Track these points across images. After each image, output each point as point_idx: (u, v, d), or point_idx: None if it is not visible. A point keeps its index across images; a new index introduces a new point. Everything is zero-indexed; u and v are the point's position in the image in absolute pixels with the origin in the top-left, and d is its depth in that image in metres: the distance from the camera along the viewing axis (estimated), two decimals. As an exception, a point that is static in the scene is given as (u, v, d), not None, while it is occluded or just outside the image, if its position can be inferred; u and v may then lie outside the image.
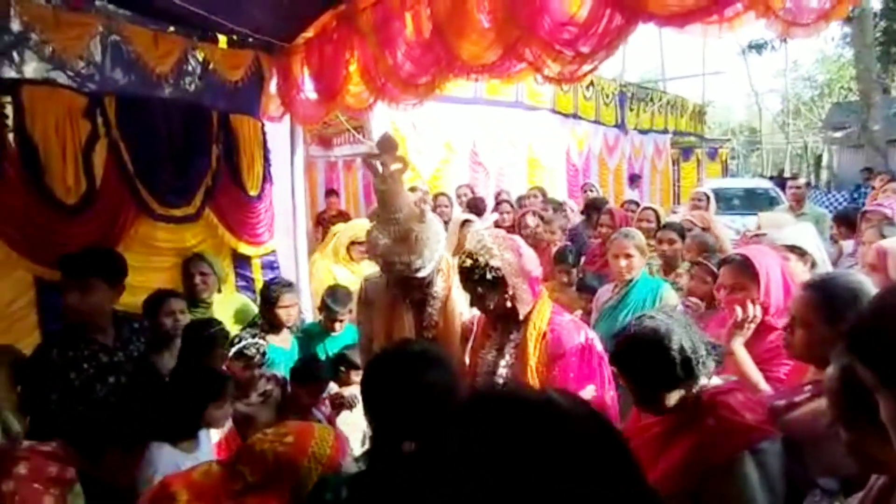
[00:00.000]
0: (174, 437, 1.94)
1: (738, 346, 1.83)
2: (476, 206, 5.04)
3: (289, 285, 3.01)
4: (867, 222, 3.65)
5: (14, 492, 1.43)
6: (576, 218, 5.08)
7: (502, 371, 1.87)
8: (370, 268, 3.73)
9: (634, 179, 9.99)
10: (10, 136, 2.49)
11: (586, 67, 2.04)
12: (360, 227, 3.62)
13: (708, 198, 4.81)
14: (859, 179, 11.38)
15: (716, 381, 1.53)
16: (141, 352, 2.23)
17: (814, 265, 2.49)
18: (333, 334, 3.11)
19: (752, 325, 1.81)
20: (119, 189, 2.82)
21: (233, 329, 2.97)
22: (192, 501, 1.27)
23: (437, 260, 1.99)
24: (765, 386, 1.73)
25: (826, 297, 1.43)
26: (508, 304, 1.84)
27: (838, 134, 17.01)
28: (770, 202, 8.44)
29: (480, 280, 1.80)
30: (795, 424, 1.43)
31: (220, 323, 2.62)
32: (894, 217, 3.74)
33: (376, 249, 1.95)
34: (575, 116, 8.79)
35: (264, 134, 3.52)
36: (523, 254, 1.87)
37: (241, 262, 3.44)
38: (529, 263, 1.87)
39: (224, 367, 2.54)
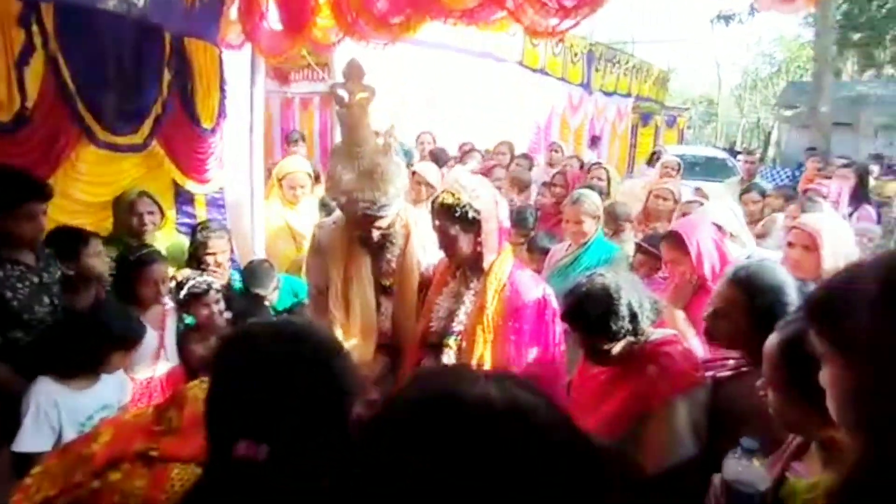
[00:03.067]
0: (67, 373, 1.94)
1: (677, 311, 2.10)
2: (438, 157, 4.97)
3: (222, 229, 2.85)
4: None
5: None
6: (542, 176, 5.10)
7: (459, 319, 1.92)
8: (310, 207, 3.70)
9: (595, 141, 10.12)
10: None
11: (568, 23, 2.02)
12: (287, 165, 3.54)
13: (679, 167, 4.83)
14: (803, 158, 11.95)
15: (658, 333, 1.69)
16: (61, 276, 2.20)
17: (732, 237, 2.68)
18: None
19: (688, 292, 2.10)
20: (57, 109, 2.61)
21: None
22: (110, 441, 1.22)
23: (400, 199, 1.97)
24: (697, 346, 1.94)
25: (748, 292, 1.53)
26: (477, 250, 1.86)
27: (789, 112, 17.65)
28: (727, 172, 8.74)
29: (459, 219, 1.80)
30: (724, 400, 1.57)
31: (150, 246, 2.52)
32: (830, 198, 3.98)
33: (339, 185, 1.89)
34: (542, 72, 8.70)
35: (221, 63, 3.30)
36: (499, 202, 1.90)
37: (184, 198, 3.29)
38: (503, 213, 1.90)
39: (167, 300, 2.47)
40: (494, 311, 1.86)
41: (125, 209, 2.81)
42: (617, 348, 1.61)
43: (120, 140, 2.86)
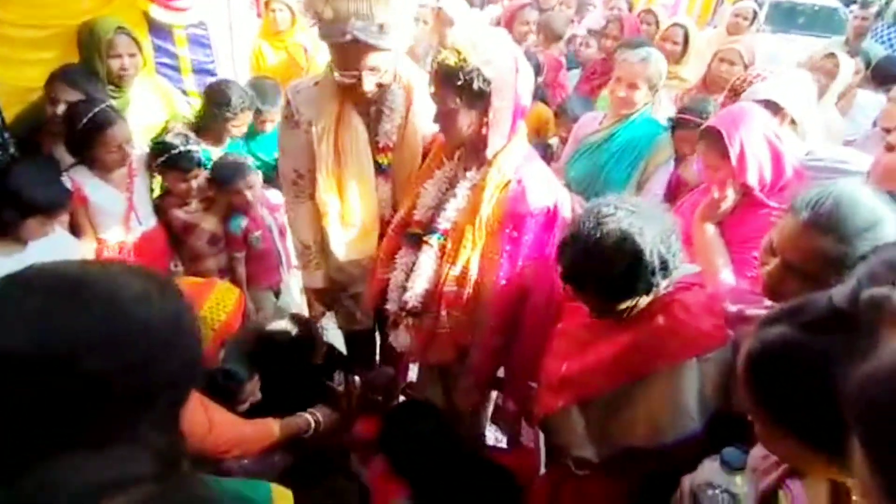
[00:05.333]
0: None
1: (709, 230, 1.65)
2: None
3: (248, 107, 2.65)
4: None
5: None
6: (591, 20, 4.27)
7: (447, 214, 1.61)
8: (295, 37, 3.25)
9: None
10: None
11: None
12: None
13: (755, 15, 3.88)
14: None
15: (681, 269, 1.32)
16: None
17: (793, 123, 2.08)
18: (263, 133, 2.84)
19: (725, 207, 1.65)
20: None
21: (154, 121, 2.55)
22: None
23: (403, 37, 1.61)
24: (729, 276, 1.55)
25: (840, 239, 1.07)
26: (482, 131, 1.50)
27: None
28: (834, 26, 7.02)
29: (462, 89, 1.43)
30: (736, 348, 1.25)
31: (102, 102, 2.20)
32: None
33: None
34: None
35: None
36: (521, 70, 1.47)
37: (159, 32, 2.78)
38: (524, 86, 1.49)
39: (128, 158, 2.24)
40: (491, 213, 1.55)
41: (99, 50, 2.37)
42: (640, 305, 1.26)
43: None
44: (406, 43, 1.69)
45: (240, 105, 2.62)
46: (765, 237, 1.21)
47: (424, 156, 1.80)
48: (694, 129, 2.23)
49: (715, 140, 1.64)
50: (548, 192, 1.58)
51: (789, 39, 5.28)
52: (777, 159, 1.64)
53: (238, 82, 2.80)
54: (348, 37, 1.49)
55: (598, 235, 1.21)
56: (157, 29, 2.77)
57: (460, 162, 1.66)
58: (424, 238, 1.65)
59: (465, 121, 1.50)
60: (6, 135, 2.06)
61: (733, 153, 1.60)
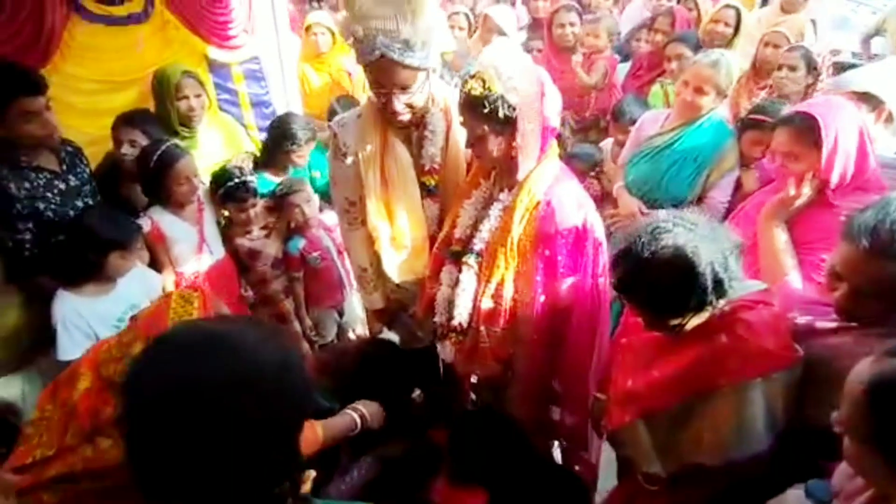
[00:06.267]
0: (74, 283, 1.99)
1: (777, 230, 1.58)
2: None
3: (313, 138, 2.80)
4: None
5: None
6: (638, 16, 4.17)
7: (482, 235, 1.68)
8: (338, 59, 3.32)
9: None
10: None
11: None
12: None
13: None
14: None
15: (737, 287, 1.28)
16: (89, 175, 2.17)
17: (890, 119, 1.95)
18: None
19: (798, 204, 1.58)
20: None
21: (222, 157, 2.76)
22: (89, 390, 1.19)
23: (432, 56, 1.64)
24: (796, 279, 1.50)
25: None
26: (511, 154, 1.56)
27: None
28: None
29: (489, 116, 1.49)
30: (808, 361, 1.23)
31: (168, 140, 2.38)
32: None
33: (353, 9, 1.57)
34: None
35: None
36: (546, 93, 1.52)
37: (218, 71, 2.96)
38: (550, 108, 1.53)
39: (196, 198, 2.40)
40: (523, 234, 1.59)
41: (168, 94, 2.57)
42: (692, 323, 1.25)
43: (116, 10, 2.54)
44: (435, 62, 1.73)
45: (304, 138, 2.77)
46: (827, 261, 1.18)
47: (469, 171, 1.84)
48: (767, 132, 2.17)
49: (804, 129, 1.56)
50: (576, 211, 1.60)
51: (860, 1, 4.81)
52: (863, 159, 1.55)
53: (299, 115, 2.94)
54: (376, 53, 1.54)
55: (652, 250, 1.21)
56: (216, 68, 2.95)
57: (496, 182, 1.71)
58: (463, 259, 1.71)
59: (494, 145, 1.55)
60: (94, 183, 2.24)
61: (826, 144, 1.51)
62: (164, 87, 2.57)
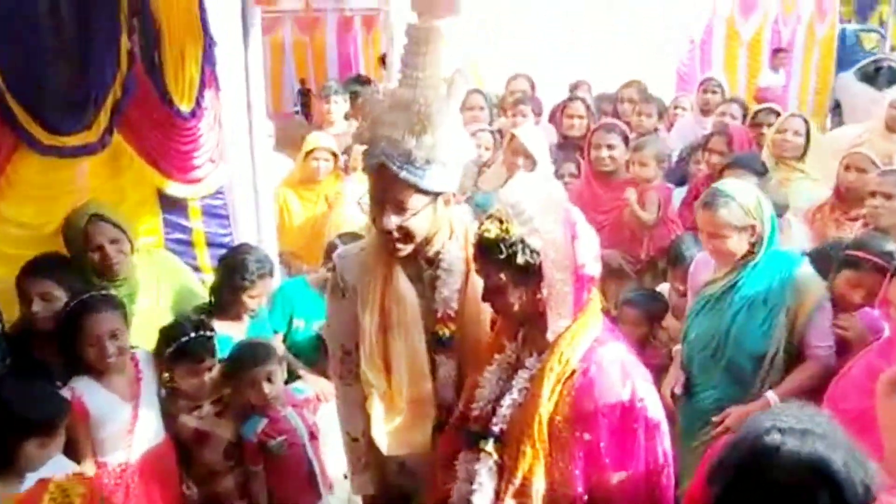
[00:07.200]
0: None
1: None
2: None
3: (267, 274, 3.00)
4: None
5: None
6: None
7: (503, 412, 1.73)
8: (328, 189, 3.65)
9: (778, 57, 9.20)
10: None
11: None
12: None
13: None
14: None
15: None
16: None
17: None
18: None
19: None
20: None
21: (168, 310, 2.93)
22: None
23: (441, 179, 1.81)
24: None
25: None
26: (538, 309, 1.66)
27: None
28: None
29: (506, 263, 1.61)
30: None
31: (101, 287, 2.57)
32: None
33: (365, 115, 1.81)
34: None
35: (203, 17, 3.22)
36: (579, 234, 1.64)
37: (172, 207, 3.28)
38: (585, 252, 1.65)
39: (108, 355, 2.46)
40: (554, 411, 1.64)
41: (76, 242, 2.81)
42: None
43: (70, 140, 2.87)
44: (447, 187, 1.88)
45: (256, 271, 2.94)
46: None
47: (492, 325, 1.94)
48: (869, 272, 2.37)
49: None
50: (622, 382, 1.63)
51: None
52: None
53: (258, 247, 3.18)
54: (375, 161, 1.76)
55: (779, 476, 1.24)
56: (169, 203, 3.25)
57: (523, 344, 1.79)
58: (481, 444, 1.74)
59: (516, 298, 1.65)
60: (4, 344, 2.39)
61: None
62: (71, 235, 2.82)
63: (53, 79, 2.84)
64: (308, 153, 3.96)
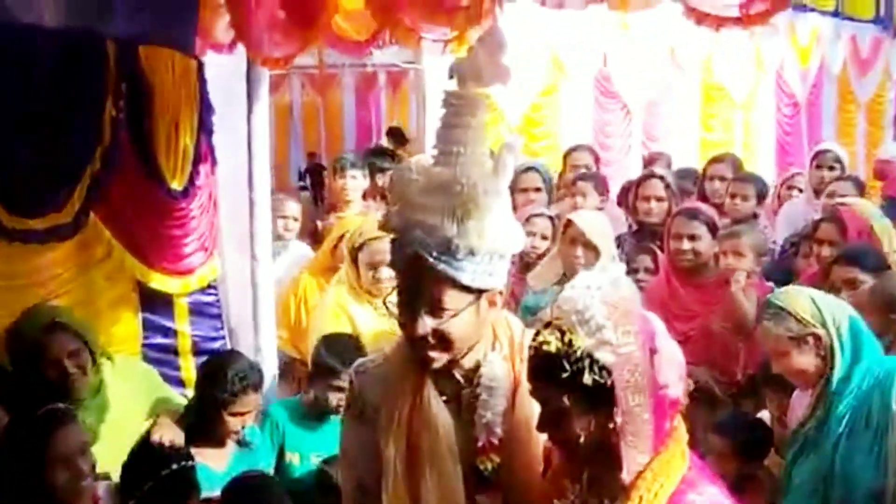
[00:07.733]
0: None
1: None
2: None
3: (251, 387, 2.95)
4: None
5: None
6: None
7: None
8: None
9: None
10: None
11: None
12: (368, 227, 3.56)
13: None
14: None
15: None
16: None
17: None
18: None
19: None
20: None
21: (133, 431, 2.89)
22: None
23: (487, 275, 1.80)
24: None
25: None
26: (610, 439, 1.61)
27: None
28: None
29: (570, 384, 1.58)
30: None
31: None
32: None
33: (394, 197, 1.83)
34: (796, 7, 8.33)
35: (201, 80, 3.36)
36: (660, 348, 1.62)
37: (155, 305, 3.31)
38: (667, 371, 1.61)
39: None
40: None
41: (23, 358, 2.82)
42: None
43: (38, 223, 2.93)
44: (494, 284, 1.87)
45: (239, 382, 2.87)
46: None
47: (547, 459, 1.89)
48: None
49: None
50: None
51: None
52: None
53: (241, 354, 3.16)
54: (408, 250, 1.75)
55: None
56: (151, 301, 3.28)
57: (589, 486, 1.73)
58: None
59: (581, 428, 1.62)
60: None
61: None
62: (18, 349, 2.83)
63: (22, 150, 2.92)
64: (339, 239, 3.97)
